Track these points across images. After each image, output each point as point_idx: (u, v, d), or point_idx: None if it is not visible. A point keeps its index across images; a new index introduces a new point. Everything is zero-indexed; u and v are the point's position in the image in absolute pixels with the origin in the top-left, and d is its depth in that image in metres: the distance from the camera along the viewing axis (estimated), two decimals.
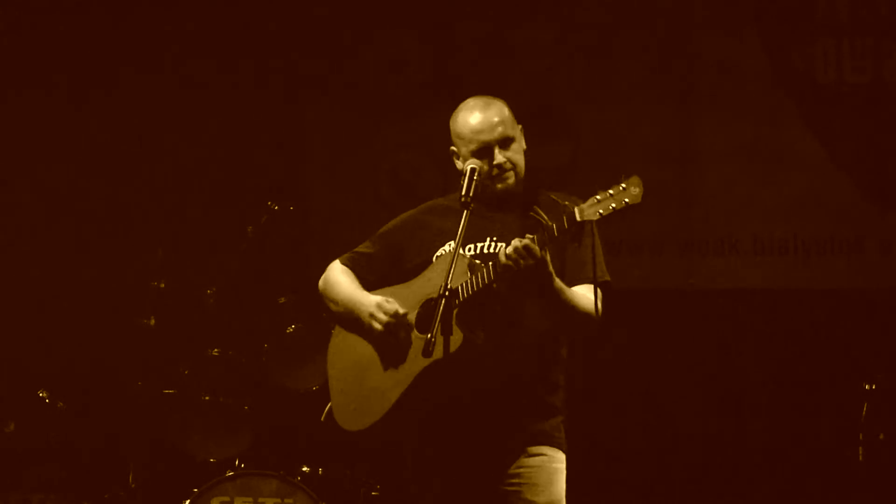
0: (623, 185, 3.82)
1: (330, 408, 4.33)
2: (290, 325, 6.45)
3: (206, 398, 6.37)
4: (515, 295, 4.03)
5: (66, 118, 7.25)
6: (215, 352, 6.47)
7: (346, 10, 7.46)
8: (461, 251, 4.13)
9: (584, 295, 4.07)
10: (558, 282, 4.00)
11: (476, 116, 4.21)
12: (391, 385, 4.13)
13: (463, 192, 4.09)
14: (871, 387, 6.66)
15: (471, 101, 4.27)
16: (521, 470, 4.11)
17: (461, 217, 4.08)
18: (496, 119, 4.20)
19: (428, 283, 4.12)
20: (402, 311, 4.14)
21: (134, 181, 7.27)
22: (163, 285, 6.50)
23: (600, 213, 3.81)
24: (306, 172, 7.50)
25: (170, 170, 7.29)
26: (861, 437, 6.61)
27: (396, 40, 7.47)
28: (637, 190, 3.81)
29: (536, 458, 4.13)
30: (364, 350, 4.25)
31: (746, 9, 7.41)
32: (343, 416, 4.29)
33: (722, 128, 7.35)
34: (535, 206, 4.10)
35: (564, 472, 4.17)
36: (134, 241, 7.02)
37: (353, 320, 4.28)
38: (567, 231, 3.87)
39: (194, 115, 7.31)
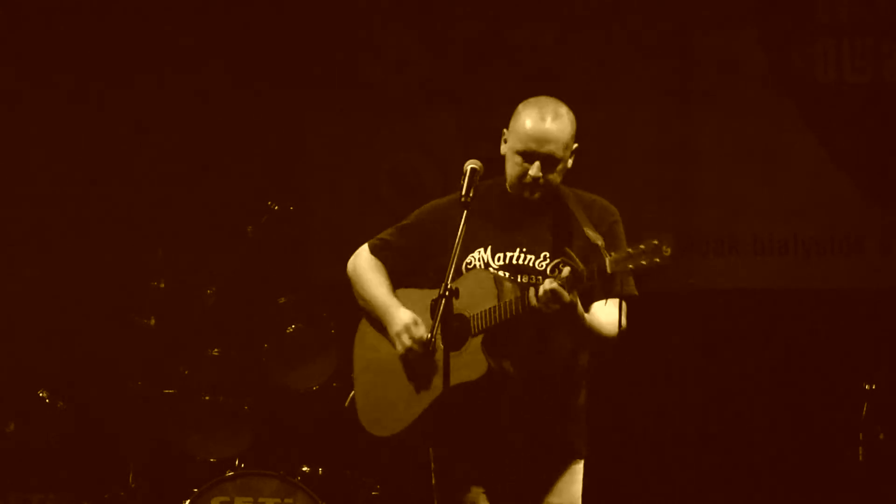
0: (656, 241, 3.81)
1: (353, 396, 4.35)
2: (290, 325, 6.46)
3: (206, 398, 6.37)
4: (545, 327, 4.06)
5: (67, 118, 7.25)
6: (215, 352, 6.47)
7: (346, 10, 7.45)
8: (487, 259, 4.17)
9: (608, 315, 4.09)
10: (587, 318, 4.03)
11: (537, 122, 4.14)
12: (414, 400, 4.14)
13: (463, 192, 4.10)
14: (871, 387, 6.65)
15: (542, 103, 4.19)
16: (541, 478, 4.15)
17: (501, 222, 4.18)
18: (553, 135, 4.13)
19: (459, 296, 4.10)
20: (426, 336, 4.09)
21: (134, 181, 7.27)
22: (163, 285, 6.50)
23: (630, 268, 3.82)
24: (306, 172, 7.49)
25: (170, 170, 7.29)
26: (861, 437, 6.61)
27: (396, 40, 7.47)
28: (668, 250, 3.79)
29: (557, 463, 4.17)
30: (390, 352, 4.24)
31: (746, 9, 7.40)
32: (365, 418, 4.30)
33: (721, 127, 7.35)
34: (566, 248, 4.03)
35: (581, 473, 4.21)
36: (134, 241, 7.02)
37: (379, 322, 4.29)
38: (596, 279, 3.89)
39: (194, 115, 7.31)
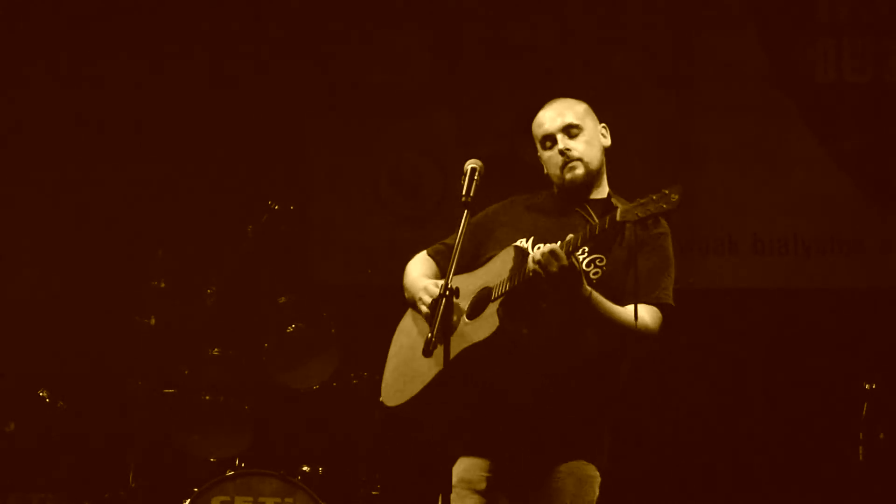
0: (666, 190, 3.86)
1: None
2: (290, 325, 6.45)
3: (206, 398, 6.37)
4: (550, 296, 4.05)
5: (67, 117, 7.26)
6: (215, 351, 6.47)
7: (346, 9, 7.46)
8: (528, 248, 4.18)
9: (638, 313, 4.06)
10: (595, 295, 4.00)
11: (544, 111, 4.31)
12: (427, 369, 4.14)
13: (463, 192, 4.10)
14: (871, 387, 6.66)
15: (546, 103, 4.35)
16: (550, 475, 4.11)
17: (545, 214, 4.23)
18: (560, 109, 4.28)
19: (488, 273, 4.16)
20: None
21: (134, 181, 7.27)
22: (163, 285, 6.50)
23: (638, 216, 3.84)
24: (306, 172, 7.50)
25: (170, 170, 7.29)
26: (861, 436, 6.62)
27: (397, 40, 7.47)
28: (676, 197, 3.84)
29: (568, 466, 4.13)
30: (419, 333, 4.28)
31: (746, 9, 7.41)
32: (388, 392, 4.33)
33: (722, 127, 7.36)
34: (586, 204, 4.09)
35: (598, 480, 4.16)
36: (134, 241, 7.02)
37: (415, 305, 4.33)
38: (606, 230, 3.90)
39: (195, 114, 7.31)
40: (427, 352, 3.87)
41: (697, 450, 7.14)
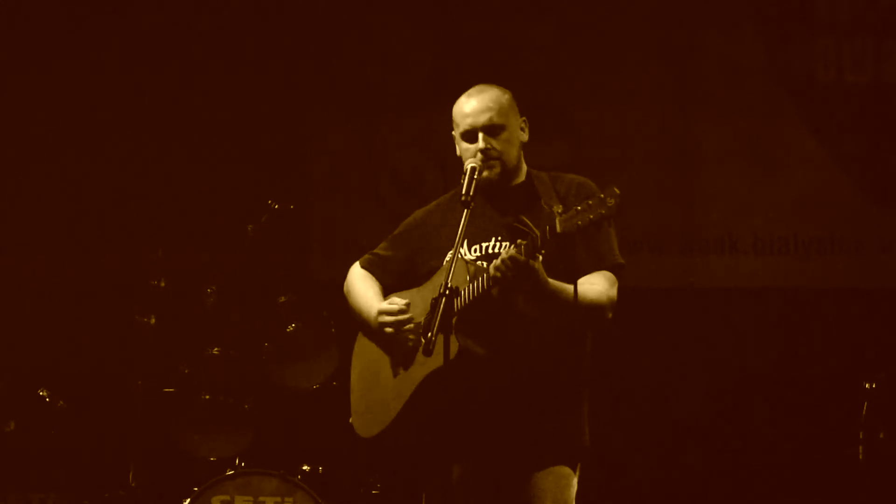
0: (602, 195, 3.82)
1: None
2: (290, 325, 6.45)
3: (206, 397, 6.36)
4: (511, 303, 4.03)
5: (67, 117, 7.25)
6: (215, 351, 6.46)
7: (346, 8, 7.46)
8: (464, 253, 4.16)
9: (592, 286, 4.08)
10: (554, 284, 4.00)
11: (469, 100, 4.25)
12: (397, 394, 4.15)
13: (463, 191, 4.09)
14: (871, 386, 6.66)
15: (473, 87, 4.30)
16: (529, 477, 4.10)
17: (476, 213, 4.11)
18: (486, 104, 4.22)
19: (437, 289, 4.09)
20: (405, 303, 4.16)
21: (134, 180, 7.27)
22: (163, 284, 6.49)
23: (578, 225, 3.81)
24: (306, 171, 7.50)
25: (170, 169, 7.29)
26: (861, 435, 6.61)
27: (396, 38, 7.47)
28: (612, 201, 3.80)
29: (543, 473, 4.12)
30: (378, 356, 4.28)
31: (746, 8, 7.41)
32: (358, 422, 4.34)
33: (722, 127, 7.36)
34: (522, 216, 4.10)
35: (574, 480, 4.16)
36: (134, 241, 7.02)
37: (368, 327, 4.32)
38: (549, 241, 3.88)
39: (195, 114, 7.31)
40: (427, 351, 3.86)
41: (697, 450, 7.14)
